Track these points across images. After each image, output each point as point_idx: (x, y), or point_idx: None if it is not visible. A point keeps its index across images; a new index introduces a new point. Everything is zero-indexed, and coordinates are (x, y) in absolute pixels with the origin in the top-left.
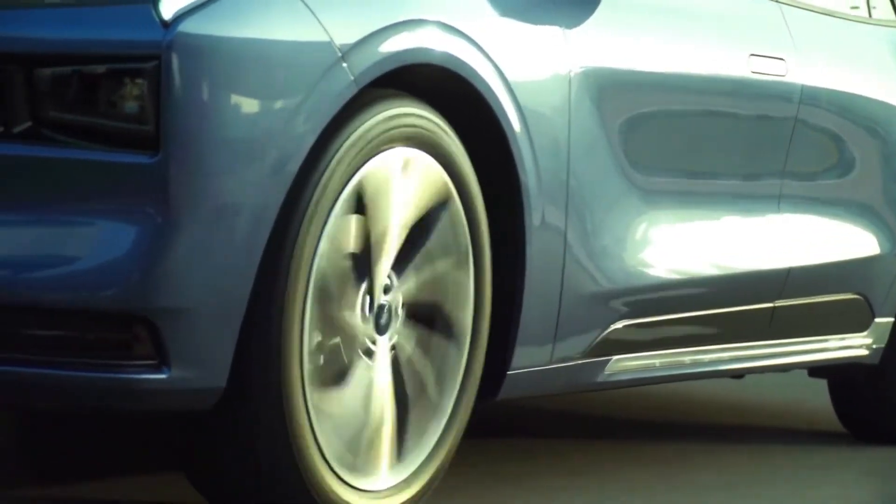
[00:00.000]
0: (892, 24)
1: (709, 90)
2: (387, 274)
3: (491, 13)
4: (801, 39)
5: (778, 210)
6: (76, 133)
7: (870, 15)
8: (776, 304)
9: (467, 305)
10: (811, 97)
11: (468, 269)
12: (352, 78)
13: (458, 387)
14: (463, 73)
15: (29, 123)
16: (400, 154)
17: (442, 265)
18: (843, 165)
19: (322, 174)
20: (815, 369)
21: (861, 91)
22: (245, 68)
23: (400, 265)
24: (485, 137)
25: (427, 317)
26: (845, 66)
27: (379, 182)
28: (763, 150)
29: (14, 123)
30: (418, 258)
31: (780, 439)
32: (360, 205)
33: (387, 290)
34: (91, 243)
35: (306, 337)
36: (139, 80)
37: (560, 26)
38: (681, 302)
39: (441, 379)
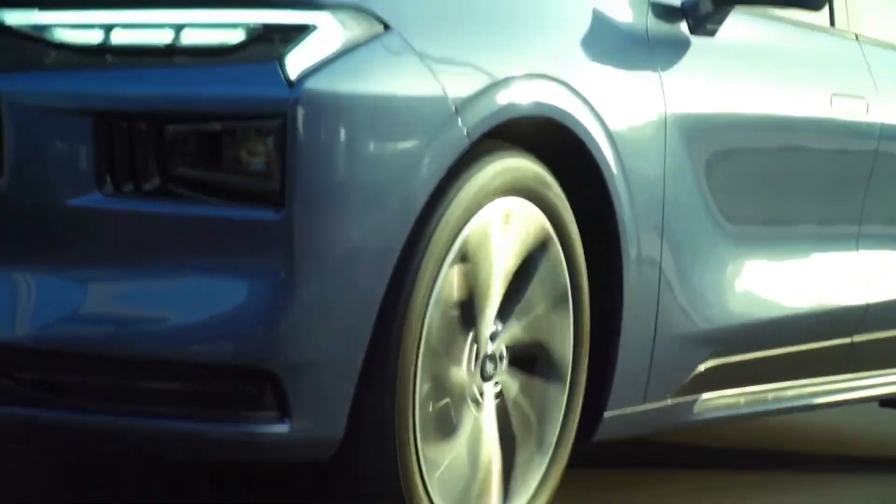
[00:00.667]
0: None
1: (793, 131)
2: (492, 322)
3: (591, 61)
4: (881, 77)
5: (856, 247)
6: (204, 189)
7: None
8: (854, 340)
9: (567, 347)
10: (890, 135)
11: (568, 312)
12: (465, 132)
13: (559, 427)
14: (566, 123)
15: (158, 180)
16: (504, 204)
17: (543, 308)
18: None
19: (435, 226)
20: (887, 400)
21: None
22: (365, 124)
23: (503, 312)
24: (584, 179)
25: (529, 359)
26: None
27: (483, 231)
28: (844, 188)
29: (144, 181)
30: (521, 303)
31: (852, 469)
32: (465, 254)
33: (492, 337)
34: (217, 298)
35: (418, 387)
36: (265, 137)
37: (655, 70)
38: (763, 340)
39: (543, 420)
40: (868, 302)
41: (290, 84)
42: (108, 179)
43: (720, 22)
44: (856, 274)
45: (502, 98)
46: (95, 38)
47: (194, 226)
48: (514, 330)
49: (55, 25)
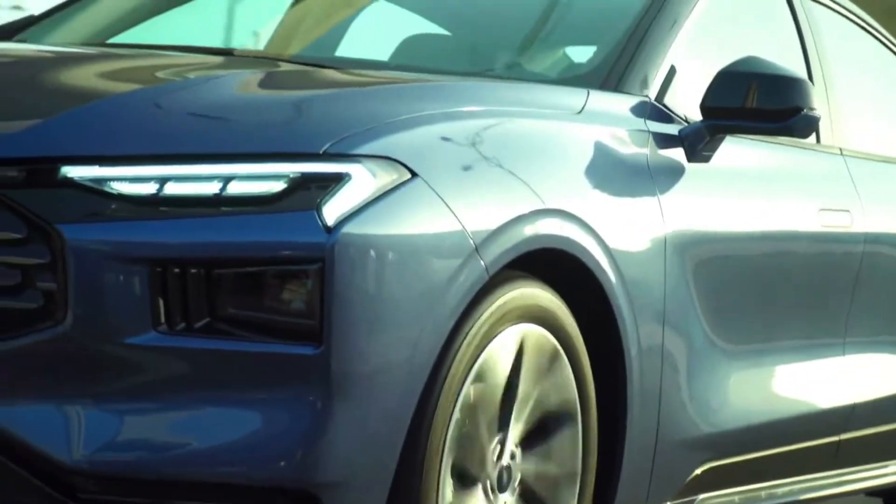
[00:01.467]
0: None
1: (784, 247)
2: (506, 436)
3: (595, 192)
4: (865, 189)
5: (843, 352)
6: (249, 327)
7: None
8: (841, 438)
9: (576, 456)
10: (874, 244)
11: (577, 424)
12: (484, 266)
13: None
14: (574, 252)
15: (208, 319)
16: (518, 329)
17: (552, 423)
18: None
19: (457, 351)
20: (873, 490)
21: None
22: (395, 264)
23: (516, 426)
24: (590, 300)
25: (542, 480)
26: None
27: (499, 355)
28: (830, 297)
29: (195, 319)
30: (532, 418)
31: None
32: (482, 374)
33: (507, 452)
34: (259, 425)
35: (441, 497)
36: (305, 280)
37: (655, 195)
38: (757, 442)
39: None
40: (854, 402)
41: (328, 230)
42: (163, 319)
43: (714, 149)
44: (842, 377)
45: (516, 234)
46: (150, 190)
47: (240, 360)
48: (526, 441)
49: (113, 179)
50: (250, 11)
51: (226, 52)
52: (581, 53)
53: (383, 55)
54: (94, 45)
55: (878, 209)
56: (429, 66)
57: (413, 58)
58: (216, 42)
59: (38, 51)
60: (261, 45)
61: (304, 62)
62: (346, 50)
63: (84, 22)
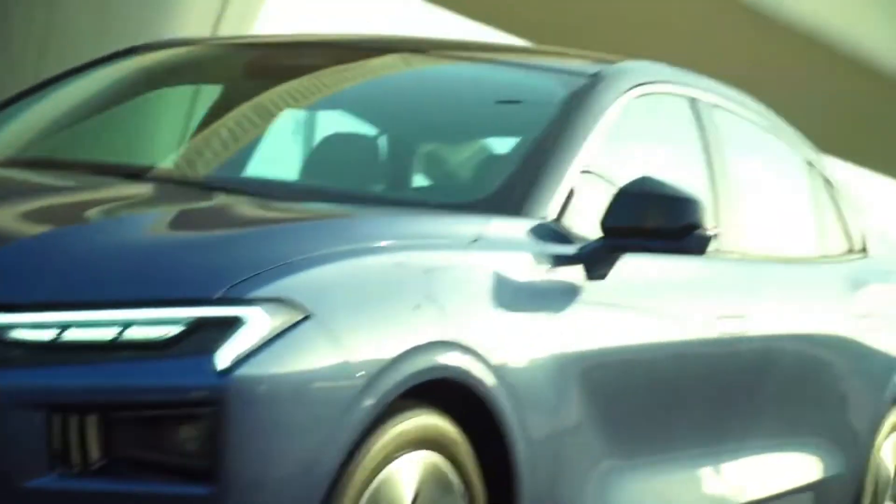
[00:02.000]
0: (844, 259)
1: (681, 356)
2: None
3: (491, 318)
4: (762, 293)
5: (743, 455)
6: (145, 469)
7: (828, 251)
8: None
9: None
10: (770, 348)
11: None
12: (377, 398)
13: None
14: (469, 382)
15: (104, 461)
16: (415, 456)
17: None
18: (799, 401)
19: (351, 477)
20: None
21: (814, 329)
22: (288, 401)
23: None
24: (484, 423)
25: None
26: (800, 308)
27: (396, 481)
28: (729, 403)
29: (92, 461)
30: None
31: None
32: (376, 502)
33: None
34: None
35: None
36: (200, 421)
37: (551, 315)
38: None
39: None
40: (749, 499)
41: (222, 374)
42: (60, 462)
43: (612, 265)
44: (742, 480)
45: (410, 366)
46: (50, 336)
47: (137, 501)
48: None
49: (13, 325)
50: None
51: (140, 172)
52: (486, 172)
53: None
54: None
55: (775, 313)
56: (335, 184)
57: (326, 164)
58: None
59: None
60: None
61: (189, 181)
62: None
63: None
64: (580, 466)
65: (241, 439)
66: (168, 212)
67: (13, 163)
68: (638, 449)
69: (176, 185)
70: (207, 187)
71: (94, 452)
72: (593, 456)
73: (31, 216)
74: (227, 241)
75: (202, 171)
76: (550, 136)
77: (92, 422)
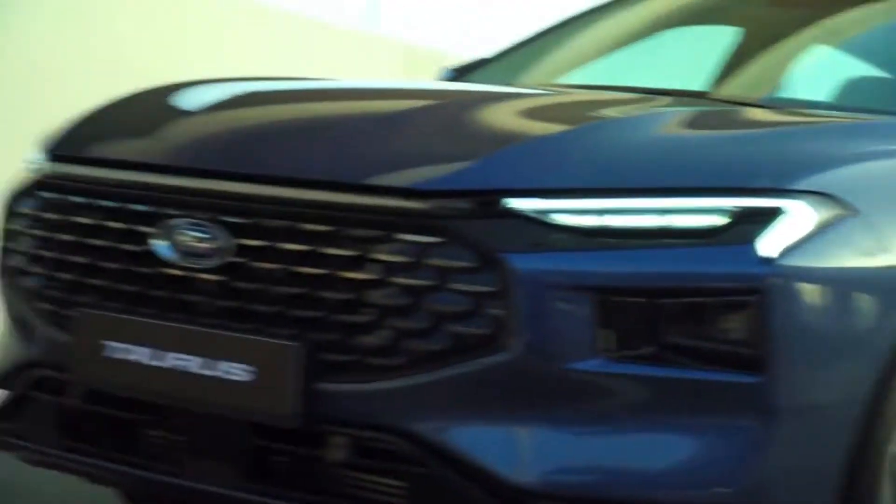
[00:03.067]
0: None
1: None
2: None
3: None
4: None
5: None
6: (690, 355)
7: None
8: None
9: None
10: None
11: None
12: None
13: None
14: None
15: (650, 347)
16: None
17: None
18: None
19: (892, 388)
20: None
21: None
22: (833, 300)
23: None
24: None
25: None
26: None
27: None
28: None
29: (638, 347)
30: None
31: None
32: None
33: None
34: (697, 451)
35: None
36: (744, 310)
37: None
38: None
39: None
40: None
41: (766, 263)
42: (607, 347)
43: None
44: None
45: None
46: (592, 221)
47: (682, 387)
48: None
49: (556, 211)
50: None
51: (665, 93)
52: None
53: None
54: (538, 86)
55: None
56: (871, 106)
57: (854, 100)
58: (660, 83)
59: (486, 90)
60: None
61: (741, 102)
62: (785, 92)
63: (530, 62)
64: None
65: (787, 330)
66: (704, 112)
67: (542, 85)
68: None
69: (706, 100)
70: (737, 103)
71: (640, 338)
72: None
73: (565, 113)
74: (772, 136)
75: (747, 95)
76: None
77: (637, 307)
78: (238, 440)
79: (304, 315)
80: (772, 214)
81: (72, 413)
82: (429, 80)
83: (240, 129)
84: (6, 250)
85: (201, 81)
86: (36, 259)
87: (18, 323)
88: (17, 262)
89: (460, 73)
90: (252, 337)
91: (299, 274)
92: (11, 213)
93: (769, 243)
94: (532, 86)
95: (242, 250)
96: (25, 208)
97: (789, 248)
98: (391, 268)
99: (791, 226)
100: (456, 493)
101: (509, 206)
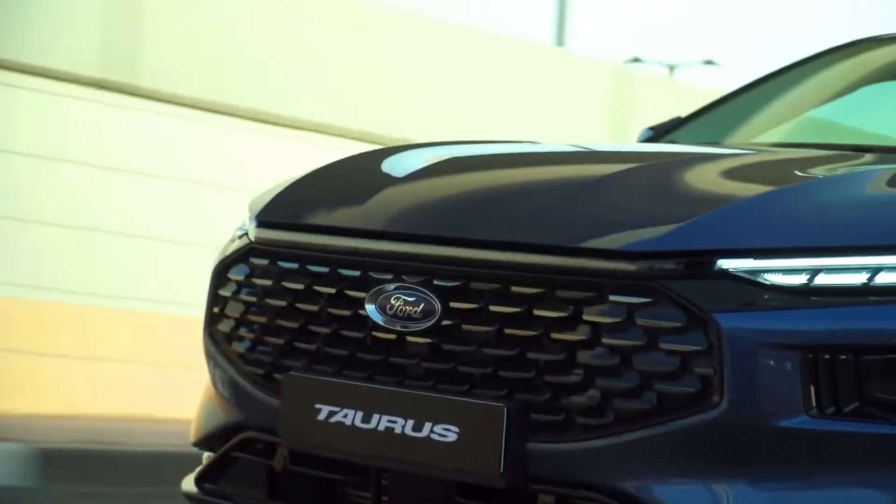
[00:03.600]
0: None
1: None
2: None
3: None
4: None
5: None
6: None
7: None
8: None
9: None
10: None
11: None
12: None
13: None
14: None
15: (856, 403)
16: None
17: None
18: None
19: None
20: None
21: None
22: None
23: None
24: None
25: None
26: None
27: None
28: None
29: (845, 403)
30: None
31: None
32: None
33: None
34: None
35: None
36: None
37: None
38: None
39: None
40: None
41: None
42: (814, 404)
43: None
44: None
45: None
46: (802, 280)
47: (888, 443)
48: None
49: (767, 270)
50: None
51: (869, 149)
52: None
53: None
54: (741, 146)
55: None
56: None
57: None
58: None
59: (691, 151)
60: None
61: None
62: None
63: (727, 122)
64: None
65: None
66: None
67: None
68: None
69: None
70: None
71: (847, 394)
72: None
73: (771, 173)
74: None
75: None
76: None
77: (844, 364)
78: (442, 500)
79: (514, 376)
80: None
81: (275, 474)
82: (631, 143)
83: (448, 195)
84: (214, 315)
85: (406, 147)
86: (245, 324)
87: (225, 386)
88: (225, 327)
89: (658, 132)
90: (461, 399)
91: (509, 335)
92: (221, 279)
93: None
94: (734, 145)
95: (452, 313)
96: (235, 274)
97: None
98: (601, 328)
99: None
100: None
101: (719, 265)
